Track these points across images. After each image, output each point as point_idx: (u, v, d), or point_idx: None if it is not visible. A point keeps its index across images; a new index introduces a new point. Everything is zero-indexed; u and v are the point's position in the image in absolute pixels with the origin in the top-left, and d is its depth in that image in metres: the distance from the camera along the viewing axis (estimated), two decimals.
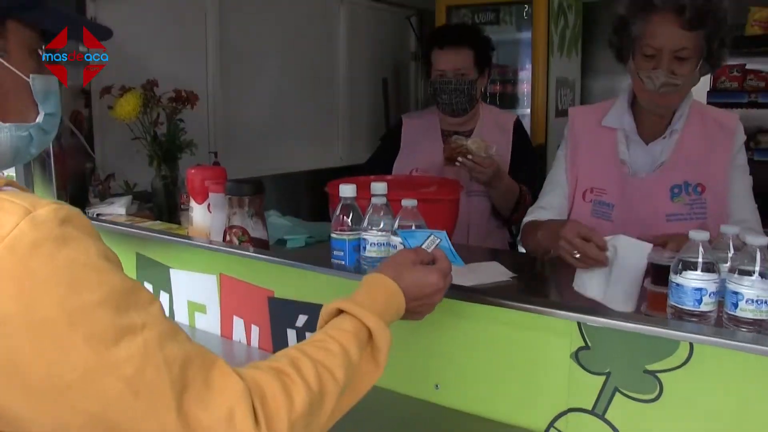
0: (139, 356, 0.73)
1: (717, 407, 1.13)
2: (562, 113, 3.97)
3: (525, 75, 3.90)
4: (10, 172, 2.21)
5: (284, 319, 1.68)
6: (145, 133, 2.60)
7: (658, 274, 1.37)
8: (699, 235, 1.24)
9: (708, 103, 3.55)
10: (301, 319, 1.64)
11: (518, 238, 2.12)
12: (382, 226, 1.59)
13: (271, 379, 0.84)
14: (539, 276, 2.04)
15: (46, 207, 0.74)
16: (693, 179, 1.92)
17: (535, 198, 2.29)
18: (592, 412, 1.25)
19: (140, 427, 0.73)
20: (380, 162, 2.74)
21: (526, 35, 3.84)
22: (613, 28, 1.97)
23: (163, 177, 2.67)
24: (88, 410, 0.72)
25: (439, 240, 1.37)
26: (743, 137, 1.98)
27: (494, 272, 1.91)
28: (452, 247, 1.39)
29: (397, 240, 1.53)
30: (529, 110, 3.77)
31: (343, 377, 0.93)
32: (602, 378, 1.23)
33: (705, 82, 3.55)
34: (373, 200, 1.62)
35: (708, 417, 1.14)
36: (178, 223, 2.52)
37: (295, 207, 3.25)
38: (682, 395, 1.16)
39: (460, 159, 2.29)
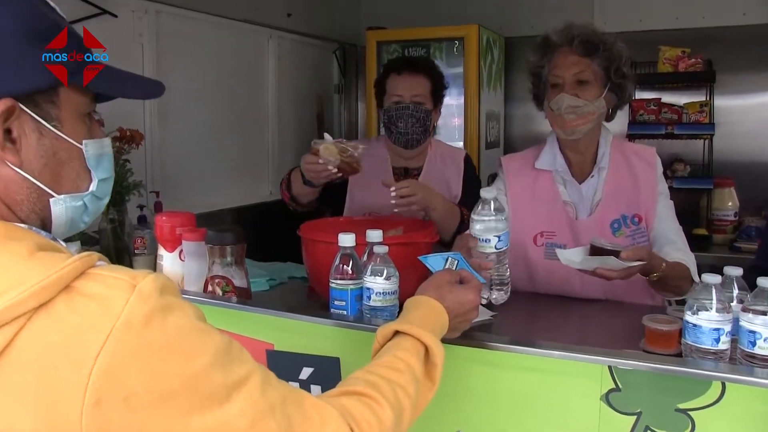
0: (248, 408, 0.79)
1: None
2: (491, 145, 4.11)
3: (455, 109, 3.99)
4: None
5: (286, 373, 1.65)
6: None
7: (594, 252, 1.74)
8: (712, 279, 1.33)
9: (628, 134, 3.79)
10: (306, 372, 1.62)
11: None
12: (386, 274, 1.60)
13: (357, 403, 0.93)
14: (518, 313, 2.08)
15: (146, 278, 0.77)
16: (629, 211, 2.07)
17: None
18: None
19: None
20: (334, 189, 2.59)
21: (455, 71, 3.94)
22: (530, 77, 2.18)
23: (111, 220, 2.58)
24: None
25: (457, 261, 1.47)
26: (661, 167, 2.15)
27: None
28: (469, 266, 1.45)
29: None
30: (461, 143, 3.86)
31: (414, 392, 1.04)
32: (633, 418, 1.28)
33: (625, 115, 3.76)
34: (375, 249, 1.63)
35: None
36: (130, 267, 2.43)
37: None
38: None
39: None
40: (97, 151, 0.95)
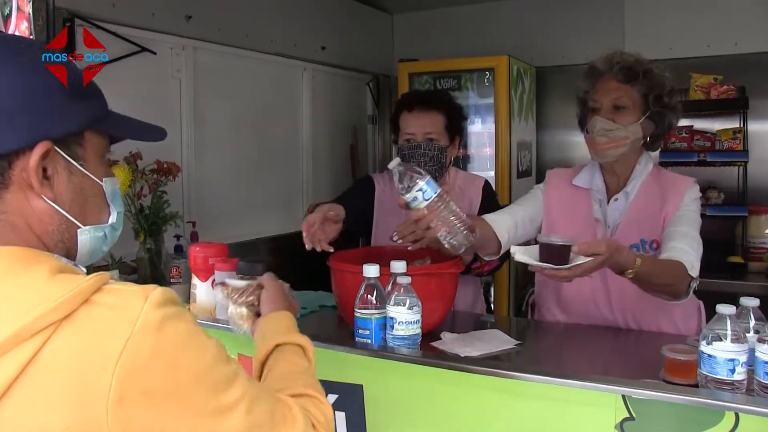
0: (246, 395, 0.93)
1: None
2: (523, 174, 4.13)
3: (486, 138, 4.04)
4: None
5: None
6: (130, 206, 2.60)
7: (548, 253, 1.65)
8: (726, 309, 1.34)
9: (660, 162, 3.76)
10: (331, 398, 1.66)
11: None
12: (408, 304, 1.65)
13: (308, 403, 1.11)
14: (543, 342, 2.10)
15: (155, 291, 0.88)
16: (648, 236, 2.06)
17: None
18: None
19: None
20: (356, 202, 2.52)
21: (486, 101, 4.00)
22: (578, 104, 2.21)
23: (148, 250, 2.66)
24: None
25: None
26: (695, 194, 2.09)
27: (498, 340, 1.97)
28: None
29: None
30: (492, 172, 3.90)
31: (312, 378, 1.24)
32: None
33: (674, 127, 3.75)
34: (398, 280, 1.67)
35: None
36: None
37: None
38: None
39: None
40: (112, 188, 1.06)
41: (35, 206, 0.95)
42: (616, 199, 2.12)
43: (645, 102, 2.04)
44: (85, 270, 1.01)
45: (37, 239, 0.96)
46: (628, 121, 2.03)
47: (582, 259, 1.60)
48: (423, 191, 1.68)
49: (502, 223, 2.08)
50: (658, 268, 1.78)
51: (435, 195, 1.69)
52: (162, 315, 0.85)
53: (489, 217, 2.08)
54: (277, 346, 1.32)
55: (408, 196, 1.69)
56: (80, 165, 0.99)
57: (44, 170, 0.94)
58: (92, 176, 1.01)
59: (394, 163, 1.72)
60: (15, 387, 0.79)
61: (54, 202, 0.96)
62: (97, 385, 0.79)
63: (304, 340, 1.35)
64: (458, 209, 1.75)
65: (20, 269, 0.87)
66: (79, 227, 1.00)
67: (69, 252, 1.01)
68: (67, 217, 0.98)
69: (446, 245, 1.75)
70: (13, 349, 0.79)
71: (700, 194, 2.13)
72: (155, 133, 1.14)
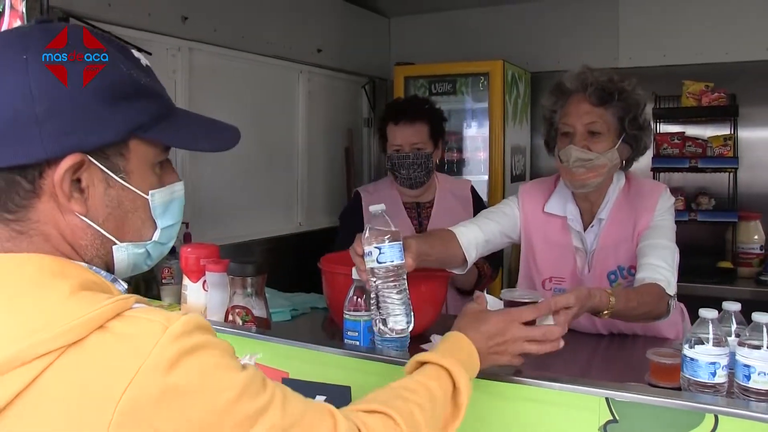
0: (275, 427, 0.83)
1: None
2: (517, 178, 4.16)
3: (480, 143, 4.07)
4: None
5: None
6: None
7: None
8: (708, 313, 1.36)
9: (652, 168, 3.82)
10: (319, 399, 1.66)
11: None
12: None
13: (375, 421, 0.98)
14: None
15: (177, 321, 0.80)
16: (625, 262, 2.01)
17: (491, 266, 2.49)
18: None
19: None
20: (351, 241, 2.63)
21: (481, 105, 4.03)
22: (543, 122, 2.14)
23: None
24: None
25: None
26: (668, 203, 2.03)
27: None
28: None
29: None
30: (485, 176, 3.93)
31: (430, 409, 1.07)
32: None
33: (649, 150, 3.77)
34: None
35: None
36: (157, 296, 2.52)
37: None
38: None
39: None
40: (165, 199, 0.98)
41: (68, 218, 0.88)
42: (592, 226, 2.07)
43: (620, 125, 1.94)
44: (125, 286, 0.95)
45: (73, 251, 0.89)
46: (604, 147, 1.92)
47: (550, 318, 1.50)
48: (382, 252, 1.46)
49: (474, 238, 2.01)
50: (633, 301, 1.69)
51: (391, 263, 1.47)
52: (178, 350, 0.77)
53: (459, 230, 2.01)
54: (440, 366, 1.17)
55: (366, 248, 1.48)
56: (120, 178, 0.90)
57: (78, 181, 0.87)
58: (135, 189, 0.92)
59: (378, 209, 1.51)
60: (12, 408, 0.73)
61: (86, 216, 0.88)
62: (96, 422, 0.72)
63: (453, 365, 1.16)
64: (408, 296, 1.52)
65: (44, 281, 0.81)
66: (115, 243, 0.93)
67: (107, 266, 0.94)
68: (101, 233, 0.91)
69: (376, 324, 1.53)
70: (12, 370, 0.73)
71: (674, 199, 2.07)
72: (224, 138, 1.05)
